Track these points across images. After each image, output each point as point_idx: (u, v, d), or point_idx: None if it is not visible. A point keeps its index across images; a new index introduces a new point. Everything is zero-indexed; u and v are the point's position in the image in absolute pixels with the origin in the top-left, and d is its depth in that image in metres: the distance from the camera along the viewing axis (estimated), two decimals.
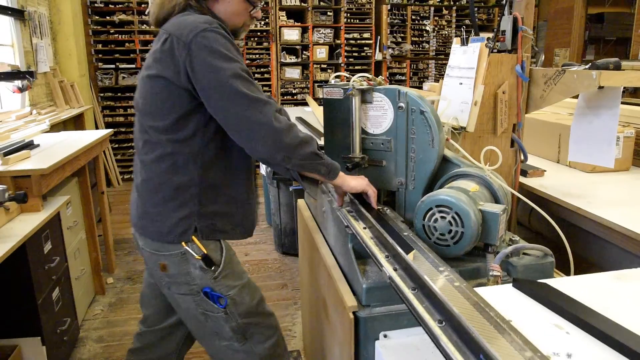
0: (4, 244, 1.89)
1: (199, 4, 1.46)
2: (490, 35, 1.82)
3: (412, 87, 6.60)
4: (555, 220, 1.60)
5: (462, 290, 1.01)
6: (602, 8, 7.10)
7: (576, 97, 1.83)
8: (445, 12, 6.73)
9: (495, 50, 1.79)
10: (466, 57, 1.82)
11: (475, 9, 6.73)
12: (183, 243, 1.47)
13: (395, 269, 1.16)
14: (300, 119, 4.24)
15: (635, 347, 0.83)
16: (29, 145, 2.66)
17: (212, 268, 1.48)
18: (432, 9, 6.68)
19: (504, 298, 1.05)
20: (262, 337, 1.60)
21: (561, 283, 1.11)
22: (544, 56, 6.76)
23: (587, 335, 0.90)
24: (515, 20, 1.77)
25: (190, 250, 1.47)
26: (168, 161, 1.45)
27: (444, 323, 0.92)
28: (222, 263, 1.51)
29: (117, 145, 6.08)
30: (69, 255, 2.67)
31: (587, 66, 1.64)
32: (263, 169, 4.11)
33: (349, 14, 6.46)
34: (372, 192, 1.55)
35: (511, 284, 1.11)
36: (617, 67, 1.58)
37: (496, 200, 1.47)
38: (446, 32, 6.75)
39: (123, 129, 6.07)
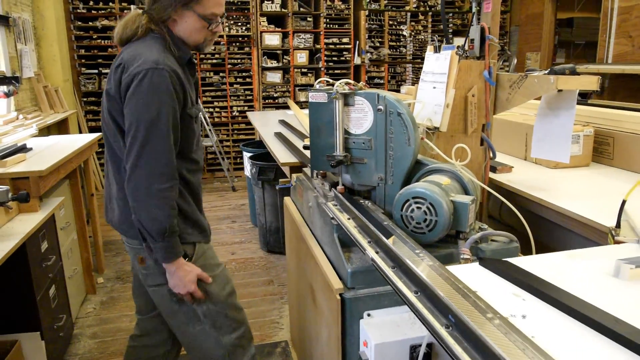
0: (6, 242, 2.00)
1: (159, 27, 1.57)
2: (462, 41, 1.99)
3: (390, 90, 6.80)
4: (521, 212, 1.76)
5: (435, 268, 1.17)
6: (571, 13, 7.39)
7: (539, 99, 2.02)
8: (421, 17, 6.94)
9: (465, 57, 1.96)
10: (439, 64, 1.98)
11: (450, 14, 6.97)
12: None
13: (377, 252, 1.31)
14: (282, 122, 4.38)
15: (580, 309, 0.99)
16: (23, 149, 2.75)
17: (186, 260, 1.62)
18: (409, 14, 6.88)
19: (471, 274, 1.21)
20: (229, 329, 1.73)
21: (521, 261, 1.27)
22: (516, 60, 7.02)
23: (540, 301, 1.07)
24: (482, 30, 1.94)
25: None
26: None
27: (419, 293, 1.08)
28: (194, 256, 1.66)
29: (100, 150, 6.12)
30: (62, 255, 2.76)
31: (546, 71, 1.82)
32: (247, 170, 4.24)
33: (328, 20, 6.63)
34: (187, 295, 1.62)
35: (477, 263, 1.27)
36: (573, 72, 1.76)
37: (466, 192, 1.63)
38: (422, 37, 6.96)
39: (101, 135, 6.12)
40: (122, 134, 1.55)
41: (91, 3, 5.92)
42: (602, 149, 2.38)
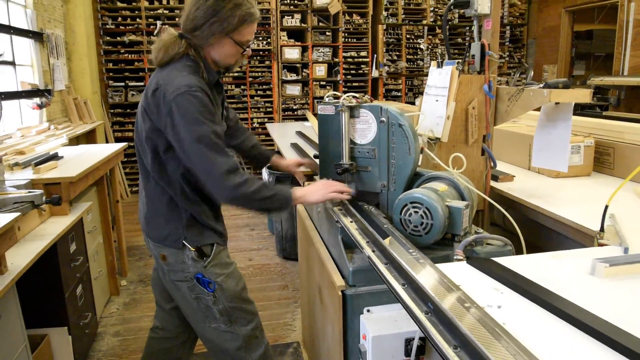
0: (39, 241, 2.17)
1: (196, 52, 1.72)
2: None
3: (407, 102, 6.91)
4: (521, 219, 1.86)
5: (424, 265, 1.28)
6: (591, 25, 7.42)
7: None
8: (438, 31, 7.06)
9: (467, 71, 2.08)
10: (441, 78, 2.10)
11: (467, 27, 7.06)
12: (184, 240, 1.77)
13: (373, 251, 1.43)
14: (299, 133, 4.53)
15: (551, 301, 1.10)
16: (55, 157, 2.95)
17: (203, 259, 1.78)
18: (426, 28, 7.01)
19: (459, 271, 1.32)
20: (244, 321, 1.87)
21: (508, 260, 1.38)
22: (533, 72, 7.08)
23: (517, 295, 1.17)
24: (482, 47, 2.06)
25: (187, 245, 1.77)
26: (160, 184, 1.77)
27: (406, 285, 1.19)
28: (211, 255, 1.81)
29: (126, 159, 6.36)
30: (89, 257, 2.93)
31: (541, 85, 1.93)
32: (265, 180, 4.39)
33: (346, 34, 6.79)
34: (336, 196, 1.82)
35: (465, 261, 1.38)
36: (566, 86, 1.87)
37: (462, 198, 1.74)
38: (439, 50, 7.07)
39: (132, 144, 6.36)
40: (153, 151, 1.71)
41: (119, 19, 6.20)
42: (603, 159, 2.46)
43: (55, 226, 2.38)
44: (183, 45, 1.70)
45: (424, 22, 7.00)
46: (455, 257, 1.55)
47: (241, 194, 1.63)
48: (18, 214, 1.83)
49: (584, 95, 1.88)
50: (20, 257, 1.97)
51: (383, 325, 1.55)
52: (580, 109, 6.65)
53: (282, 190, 1.73)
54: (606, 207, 1.48)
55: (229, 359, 1.90)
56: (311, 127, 4.97)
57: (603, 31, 7.51)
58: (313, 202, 1.83)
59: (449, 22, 7.01)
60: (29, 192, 2.17)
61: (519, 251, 1.71)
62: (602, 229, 1.51)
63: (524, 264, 1.35)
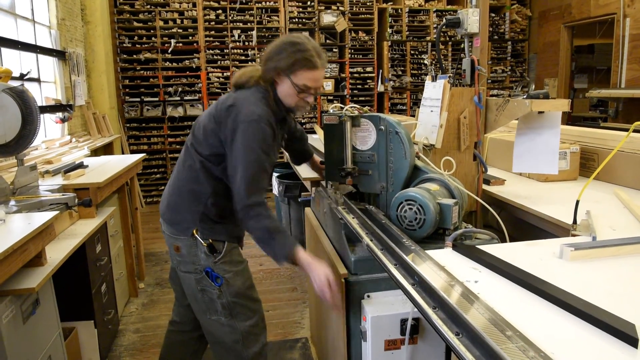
0: (71, 240, 2.39)
1: (266, 84, 1.92)
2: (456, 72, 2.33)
3: (411, 115, 7.12)
4: (510, 218, 2.05)
5: (414, 250, 1.49)
6: (592, 39, 7.63)
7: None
8: (442, 47, 7.30)
9: (457, 84, 2.30)
10: (435, 91, 2.32)
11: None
12: (194, 231, 1.94)
13: (371, 240, 1.64)
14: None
15: (520, 276, 1.29)
16: (81, 165, 3.19)
17: (214, 254, 1.95)
18: (430, 44, 7.26)
19: (444, 255, 1.51)
20: (244, 317, 2.01)
21: (488, 247, 1.57)
22: (534, 86, 7.29)
23: (492, 273, 1.37)
24: (472, 62, 2.27)
25: (199, 239, 1.94)
26: (194, 173, 1.96)
27: (397, 265, 1.40)
28: (222, 252, 1.97)
29: (141, 171, 6.61)
30: (112, 258, 3.15)
31: (524, 96, 2.13)
32: (275, 189, 4.61)
33: (352, 50, 7.05)
34: (325, 297, 1.73)
35: (451, 248, 1.58)
36: (546, 97, 2.08)
37: (452, 197, 1.94)
38: (443, 65, 7.30)
39: (147, 157, 6.63)
40: (209, 146, 1.90)
41: (135, 38, 6.51)
42: (588, 164, 2.65)
43: (84, 227, 2.61)
44: (257, 74, 1.93)
45: (428, 38, 7.25)
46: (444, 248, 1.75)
47: (254, 214, 1.78)
48: (57, 212, 2.05)
49: (562, 105, 2.08)
50: (56, 253, 2.19)
51: (381, 308, 1.75)
52: (582, 120, 6.85)
53: (290, 242, 1.79)
54: (577, 202, 1.68)
55: (225, 351, 2.04)
56: (319, 139, 5.19)
57: (604, 45, 7.71)
58: (310, 273, 1.79)
59: (452, 38, 7.26)
60: (63, 195, 2.40)
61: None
62: (574, 222, 1.70)
63: (501, 250, 1.53)
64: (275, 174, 4.70)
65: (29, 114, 2.35)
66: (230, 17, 6.67)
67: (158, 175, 6.82)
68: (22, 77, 3.86)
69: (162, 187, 6.78)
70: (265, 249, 1.82)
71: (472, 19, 2.24)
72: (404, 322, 1.71)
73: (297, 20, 6.84)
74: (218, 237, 1.98)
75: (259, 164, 1.81)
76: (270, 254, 1.83)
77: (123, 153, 6.36)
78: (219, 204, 1.97)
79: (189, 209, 1.96)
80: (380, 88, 7.20)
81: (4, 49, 3.77)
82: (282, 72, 1.86)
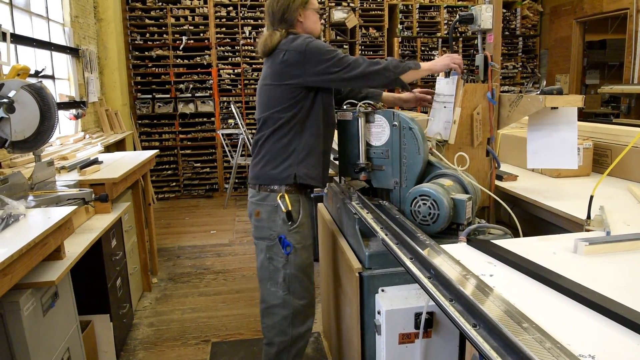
0: (88, 234, 2.43)
1: (293, 28, 2.11)
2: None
3: (422, 111, 7.12)
4: (522, 213, 2.05)
5: (429, 244, 1.50)
6: (604, 35, 7.57)
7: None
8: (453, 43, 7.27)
9: (471, 80, 2.30)
10: (448, 87, 2.32)
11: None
12: (278, 197, 2.07)
13: (386, 234, 1.66)
14: None
15: (535, 269, 1.31)
16: (96, 162, 3.23)
17: (290, 223, 2.07)
18: (440, 40, 7.24)
19: (460, 250, 1.53)
20: (299, 295, 2.13)
21: (502, 242, 1.58)
22: (545, 82, 7.25)
23: (507, 267, 1.38)
24: (486, 58, 2.27)
25: (281, 205, 2.06)
26: (277, 133, 2.08)
27: (413, 259, 1.41)
28: (298, 221, 2.10)
29: (152, 167, 6.67)
30: (126, 253, 3.20)
31: (538, 92, 2.14)
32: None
33: (363, 47, 7.05)
34: (456, 67, 2.17)
35: (465, 243, 1.59)
36: (560, 93, 2.08)
37: (466, 192, 1.95)
38: None
39: (158, 153, 6.69)
40: (284, 102, 2.06)
41: (147, 35, 6.56)
42: (602, 160, 2.65)
43: (100, 222, 2.64)
44: (280, 31, 2.08)
45: (438, 34, 7.23)
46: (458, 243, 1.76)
47: (387, 73, 2.05)
48: (75, 206, 2.09)
49: (576, 101, 2.08)
50: (74, 247, 2.23)
51: (395, 302, 1.77)
52: (594, 117, 6.81)
53: (410, 62, 2.10)
54: (591, 197, 1.69)
55: (272, 323, 2.14)
56: None
57: (616, 41, 7.65)
58: (439, 70, 2.20)
59: (463, 35, 7.24)
60: (80, 190, 2.44)
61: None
62: (588, 217, 1.71)
63: (514, 244, 1.55)
64: None
65: (47, 110, 2.38)
66: (241, 14, 6.70)
67: (169, 172, 6.87)
68: (37, 74, 3.90)
69: (174, 184, 6.86)
70: (405, 73, 2.09)
71: (486, 15, 2.24)
72: (418, 316, 1.72)
73: None
74: (313, 181, 2.15)
75: (339, 55, 2.02)
76: (411, 70, 2.09)
77: (135, 149, 6.42)
78: (306, 145, 2.12)
79: (281, 163, 2.11)
80: None
81: (19, 47, 3.82)
82: (300, 7, 2.10)
